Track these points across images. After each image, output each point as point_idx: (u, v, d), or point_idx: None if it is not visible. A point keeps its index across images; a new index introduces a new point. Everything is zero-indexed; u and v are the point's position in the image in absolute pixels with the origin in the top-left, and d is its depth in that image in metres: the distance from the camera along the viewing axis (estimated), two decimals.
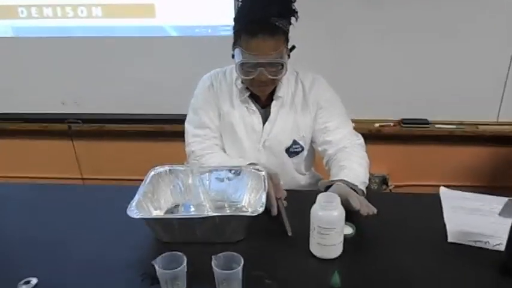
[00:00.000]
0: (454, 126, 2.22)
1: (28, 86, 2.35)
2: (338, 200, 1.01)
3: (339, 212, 1.00)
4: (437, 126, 2.23)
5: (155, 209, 1.21)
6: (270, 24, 1.24)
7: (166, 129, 2.34)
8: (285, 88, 1.43)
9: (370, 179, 2.31)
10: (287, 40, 1.32)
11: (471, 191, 1.32)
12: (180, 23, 2.17)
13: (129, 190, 1.19)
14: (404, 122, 2.24)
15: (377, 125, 2.24)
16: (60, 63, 2.29)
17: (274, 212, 1.15)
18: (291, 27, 1.32)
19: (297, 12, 1.31)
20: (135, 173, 2.41)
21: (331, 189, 1.20)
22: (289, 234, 1.10)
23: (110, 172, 2.51)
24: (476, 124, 2.22)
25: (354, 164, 1.33)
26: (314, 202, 1.03)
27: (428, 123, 2.23)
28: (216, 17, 2.13)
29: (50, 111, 2.38)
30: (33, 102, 2.38)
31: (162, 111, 2.32)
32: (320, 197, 1.02)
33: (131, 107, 2.35)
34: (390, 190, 2.34)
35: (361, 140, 1.45)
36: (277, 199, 1.18)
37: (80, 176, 2.53)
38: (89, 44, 2.24)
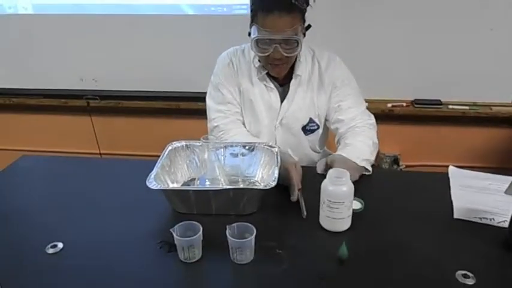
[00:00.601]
0: (467, 107, 2.21)
1: (48, 63, 2.41)
2: (348, 175, 1.05)
3: (348, 187, 1.04)
4: (450, 107, 2.23)
5: (172, 182, 1.27)
6: (286, 1, 1.26)
7: (182, 107, 2.38)
8: (303, 66, 1.46)
9: (381, 159, 2.36)
10: (303, 19, 1.34)
11: (483, 172, 1.34)
12: (195, 1, 2.19)
13: (146, 164, 1.25)
14: (417, 102, 2.24)
15: (390, 105, 2.24)
16: (78, 40, 2.34)
17: (295, 198, 1.18)
18: (308, 8, 1.34)
19: None
20: (150, 149, 2.49)
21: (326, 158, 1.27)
22: (304, 216, 1.14)
23: (126, 148, 2.58)
24: (490, 105, 2.21)
25: (358, 143, 1.37)
26: (325, 177, 1.08)
27: (441, 104, 2.23)
28: None
29: (70, 87, 2.44)
30: (53, 78, 2.45)
31: (178, 88, 2.36)
32: (331, 172, 1.06)
33: (147, 85, 2.40)
34: (401, 170, 2.37)
35: (373, 120, 1.48)
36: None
37: (97, 151, 2.61)
38: (106, 22, 2.28)
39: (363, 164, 1.29)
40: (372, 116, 1.49)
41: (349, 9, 2.12)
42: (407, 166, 2.38)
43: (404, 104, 2.25)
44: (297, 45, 1.31)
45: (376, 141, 1.42)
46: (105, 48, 2.35)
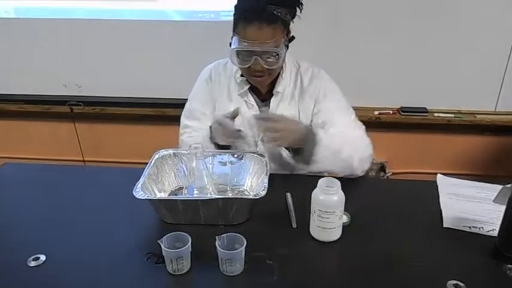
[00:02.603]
0: (452, 115, 2.24)
1: (30, 68, 2.35)
2: (338, 184, 1.04)
3: (339, 197, 1.03)
4: (435, 114, 2.25)
5: (159, 191, 1.24)
6: (267, 11, 1.22)
7: (168, 113, 2.35)
8: (285, 83, 1.41)
9: None
10: (287, 30, 1.29)
11: (468, 180, 1.35)
12: (182, 7, 2.17)
13: (132, 172, 1.23)
14: (403, 110, 2.26)
15: (376, 112, 2.25)
16: (62, 45, 2.29)
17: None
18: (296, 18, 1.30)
19: (300, 2, 1.29)
20: (135, 156, 2.45)
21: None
22: (294, 226, 1.13)
23: (110, 155, 2.54)
24: (474, 113, 2.24)
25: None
26: (315, 187, 1.06)
27: (427, 112, 2.25)
28: (219, 1, 2.13)
29: (52, 93, 2.39)
30: (35, 84, 2.39)
31: (164, 95, 2.33)
32: (321, 181, 1.04)
33: (132, 91, 2.36)
34: (388, 177, 2.38)
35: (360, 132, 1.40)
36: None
37: (81, 158, 2.56)
38: (91, 27, 2.24)
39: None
40: (361, 128, 1.41)
41: (336, 19, 2.13)
42: (393, 173, 2.40)
43: (391, 112, 2.26)
44: (278, 58, 1.27)
45: (362, 152, 1.33)
46: (90, 54, 2.30)
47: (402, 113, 2.26)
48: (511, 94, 2.19)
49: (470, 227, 1.12)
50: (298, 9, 1.30)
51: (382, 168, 2.39)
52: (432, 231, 1.13)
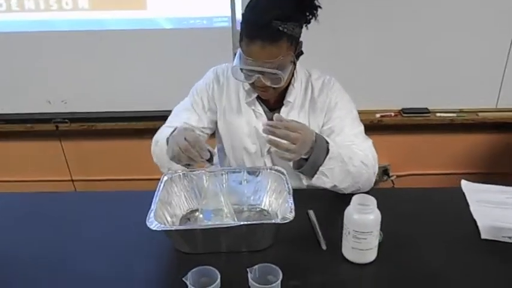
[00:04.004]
0: (454, 115, 2.20)
1: (11, 85, 2.20)
2: (374, 202, 0.95)
3: (375, 216, 0.95)
4: (437, 114, 2.21)
5: (171, 217, 1.13)
6: (271, 28, 1.11)
7: (160, 127, 2.23)
8: (296, 92, 1.33)
9: None
10: (295, 44, 1.19)
11: (473, 179, 1.29)
12: (173, 15, 2.06)
13: (133, 196, 1.12)
14: (404, 111, 2.21)
15: (378, 115, 2.20)
16: (44, 59, 2.15)
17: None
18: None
19: (316, 5, 1.19)
20: (127, 172, 2.33)
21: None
22: (323, 248, 1.04)
23: (100, 173, 2.40)
24: (476, 111, 2.21)
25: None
26: (342, 202, 0.99)
27: (428, 112, 2.21)
28: (211, 7, 2.03)
29: (36, 111, 2.24)
30: (17, 101, 2.24)
31: (155, 107, 2.21)
32: (355, 198, 0.96)
33: (122, 105, 2.23)
34: (392, 181, 2.32)
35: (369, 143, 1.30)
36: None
37: (69, 178, 2.41)
38: (75, 38, 2.11)
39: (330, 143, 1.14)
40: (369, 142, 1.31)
41: (334, 21, 2.05)
42: (397, 176, 2.34)
43: (393, 114, 2.21)
44: (281, 79, 1.17)
45: (363, 162, 1.20)
46: (75, 67, 2.17)
47: (404, 115, 2.21)
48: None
49: (510, 237, 1.06)
50: (313, 17, 1.20)
51: (386, 171, 2.33)
52: (470, 244, 1.06)
